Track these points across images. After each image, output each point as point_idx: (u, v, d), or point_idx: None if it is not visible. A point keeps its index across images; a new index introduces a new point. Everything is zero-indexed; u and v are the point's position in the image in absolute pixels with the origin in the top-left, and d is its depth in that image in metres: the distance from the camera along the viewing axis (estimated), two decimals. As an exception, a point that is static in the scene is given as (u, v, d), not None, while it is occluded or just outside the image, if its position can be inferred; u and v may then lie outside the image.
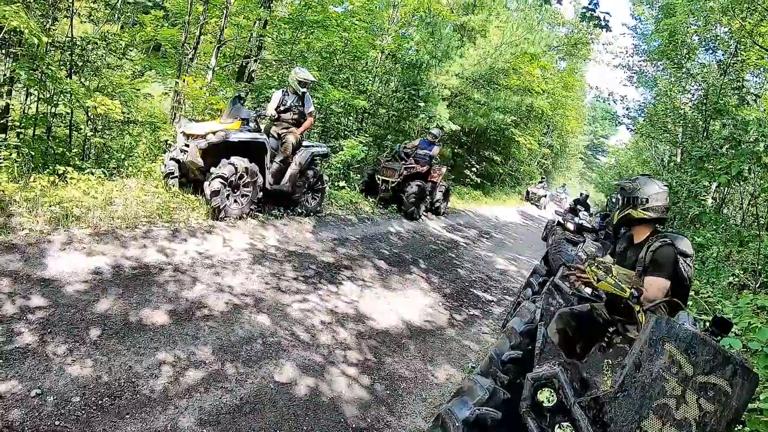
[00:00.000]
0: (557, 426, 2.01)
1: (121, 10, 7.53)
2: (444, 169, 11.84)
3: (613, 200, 3.38)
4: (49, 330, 3.03)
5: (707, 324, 2.31)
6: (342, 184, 9.77)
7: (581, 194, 14.34)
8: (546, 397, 2.02)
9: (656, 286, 2.59)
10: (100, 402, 2.58)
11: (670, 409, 1.75)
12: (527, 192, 26.53)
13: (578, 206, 12.02)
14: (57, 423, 2.38)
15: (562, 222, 10.25)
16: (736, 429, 1.89)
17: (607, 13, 6.33)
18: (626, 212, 2.87)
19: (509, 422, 2.27)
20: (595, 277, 2.54)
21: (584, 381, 2.17)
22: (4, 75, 5.56)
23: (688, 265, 2.97)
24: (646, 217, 2.82)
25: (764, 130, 6.88)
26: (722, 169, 6.83)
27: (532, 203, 25.55)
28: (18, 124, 5.68)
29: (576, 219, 10.23)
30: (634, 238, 2.95)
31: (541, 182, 27.70)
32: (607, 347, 2.61)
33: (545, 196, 26.23)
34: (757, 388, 2.77)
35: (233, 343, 3.52)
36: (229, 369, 3.19)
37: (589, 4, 6.39)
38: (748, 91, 9.87)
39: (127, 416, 2.54)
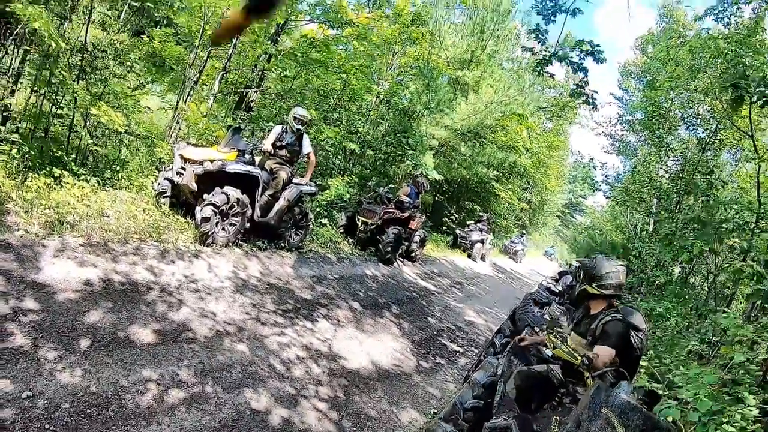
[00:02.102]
0: None
1: (132, 21, 7.74)
2: (423, 217, 12.19)
3: (579, 273, 3.70)
4: (41, 334, 3.19)
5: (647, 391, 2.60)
6: (324, 221, 10.00)
7: (570, 265, 12.56)
8: (500, 445, 2.28)
9: (605, 352, 2.91)
10: (88, 411, 2.75)
11: (603, 465, 2.02)
12: (455, 236, 17.97)
13: (563, 278, 10.88)
14: (47, 426, 2.54)
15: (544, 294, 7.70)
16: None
17: (595, 92, 6.93)
18: (584, 287, 3.25)
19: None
20: (552, 345, 2.84)
21: (534, 434, 2.43)
22: (13, 68, 5.70)
23: (639, 338, 3.32)
24: (599, 293, 3.19)
25: (728, 214, 7.34)
26: (685, 247, 7.28)
27: (463, 251, 17.59)
28: (17, 119, 5.73)
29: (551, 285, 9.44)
30: (591, 310, 3.29)
31: (478, 221, 18.67)
32: (557, 406, 2.89)
33: (481, 241, 17.83)
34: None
35: (214, 368, 3.71)
36: (209, 392, 3.37)
37: (579, 82, 6.97)
38: (718, 176, 10.51)
39: (114, 427, 2.71)
